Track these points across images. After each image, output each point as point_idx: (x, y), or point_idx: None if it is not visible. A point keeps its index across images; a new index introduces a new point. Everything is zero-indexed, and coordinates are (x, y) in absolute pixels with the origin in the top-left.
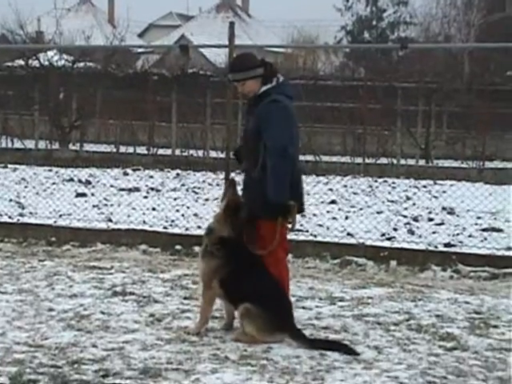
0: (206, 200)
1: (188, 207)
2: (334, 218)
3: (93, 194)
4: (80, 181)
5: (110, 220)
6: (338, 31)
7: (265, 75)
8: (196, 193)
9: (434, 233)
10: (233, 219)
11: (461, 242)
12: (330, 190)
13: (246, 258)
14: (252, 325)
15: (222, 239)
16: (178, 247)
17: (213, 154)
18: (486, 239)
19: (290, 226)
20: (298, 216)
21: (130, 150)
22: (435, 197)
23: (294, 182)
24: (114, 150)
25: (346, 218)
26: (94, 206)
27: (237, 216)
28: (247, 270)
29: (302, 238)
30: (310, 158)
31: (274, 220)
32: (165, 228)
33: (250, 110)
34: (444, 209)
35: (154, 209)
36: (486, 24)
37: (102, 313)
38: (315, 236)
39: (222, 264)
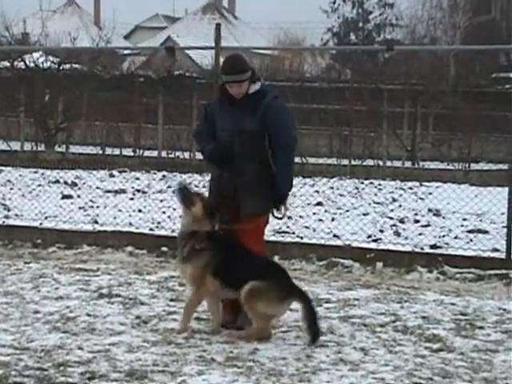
0: None
1: (174, 209)
2: (321, 220)
3: (79, 196)
4: (66, 183)
5: (96, 222)
6: (324, 33)
7: (253, 75)
8: None
9: (420, 234)
10: (211, 216)
11: (447, 243)
12: (317, 191)
13: (232, 244)
14: (263, 300)
15: (209, 234)
16: (164, 249)
17: (199, 155)
18: (471, 241)
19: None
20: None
21: (116, 151)
22: (421, 198)
23: None
24: (100, 151)
25: (333, 219)
26: (80, 208)
27: (214, 213)
28: (238, 254)
29: (288, 239)
30: (296, 159)
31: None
32: (151, 230)
33: (246, 110)
34: (430, 210)
35: (140, 211)
36: (471, 26)
37: (88, 315)
38: (301, 238)
39: (212, 255)
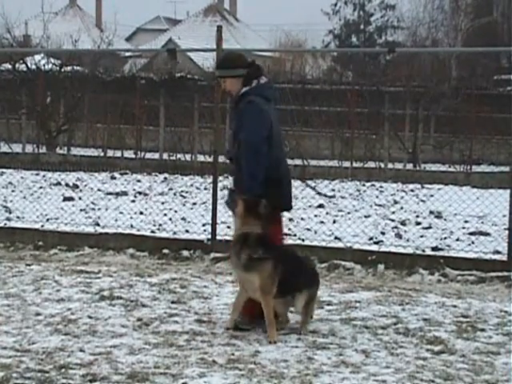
0: (194, 204)
1: (176, 211)
2: (322, 222)
3: (80, 198)
4: (67, 185)
5: (98, 224)
6: (325, 35)
7: (246, 76)
8: (184, 197)
9: (421, 236)
10: (258, 216)
11: (448, 245)
12: (318, 193)
13: (286, 250)
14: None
15: (260, 237)
16: (165, 251)
17: (200, 157)
18: (473, 243)
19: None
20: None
21: (118, 153)
22: (423, 201)
23: (285, 181)
24: (102, 153)
25: (334, 221)
26: (81, 210)
27: (259, 213)
28: (292, 261)
29: (289, 241)
30: (297, 162)
31: None
32: (152, 232)
33: (234, 113)
34: (431, 212)
35: (141, 213)
36: (473, 28)
37: (90, 317)
38: (303, 240)
39: (274, 265)
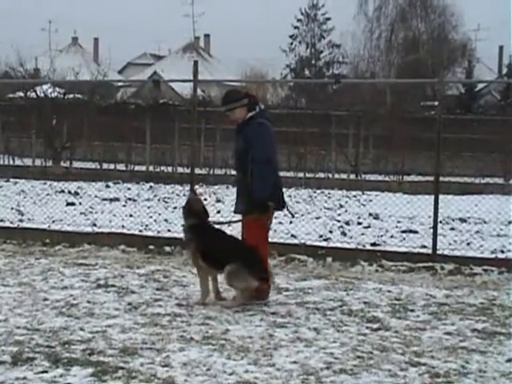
0: (175, 208)
1: (159, 214)
2: (280, 223)
3: (80, 203)
4: (69, 192)
5: (95, 225)
6: (283, 68)
7: (249, 104)
8: (166, 202)
9: (362, 234)
10: (192, 213)
11: (384, 241)
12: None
13: (214, 235)
14: (236, 279)
15: (192, 227)
16: (151, 247)
17: (180, 169)
18: (404, 239)
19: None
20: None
21: (111, 166)
22: (363, 205)
23: (277, 187)
24: (98, 166)
25: (290, 222)
26: (81, 213)
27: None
28: (217, 242)
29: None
30: None
31: (256, 216)
32: (140, 231)
33: (239, 132)
34: (370, 214)
35: (131, 215)
36: (403, 63)
37: (88, 302)
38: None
39: (196, 245)
